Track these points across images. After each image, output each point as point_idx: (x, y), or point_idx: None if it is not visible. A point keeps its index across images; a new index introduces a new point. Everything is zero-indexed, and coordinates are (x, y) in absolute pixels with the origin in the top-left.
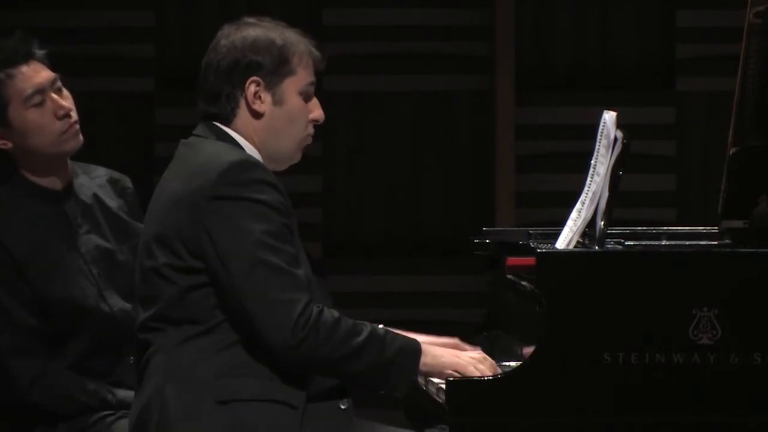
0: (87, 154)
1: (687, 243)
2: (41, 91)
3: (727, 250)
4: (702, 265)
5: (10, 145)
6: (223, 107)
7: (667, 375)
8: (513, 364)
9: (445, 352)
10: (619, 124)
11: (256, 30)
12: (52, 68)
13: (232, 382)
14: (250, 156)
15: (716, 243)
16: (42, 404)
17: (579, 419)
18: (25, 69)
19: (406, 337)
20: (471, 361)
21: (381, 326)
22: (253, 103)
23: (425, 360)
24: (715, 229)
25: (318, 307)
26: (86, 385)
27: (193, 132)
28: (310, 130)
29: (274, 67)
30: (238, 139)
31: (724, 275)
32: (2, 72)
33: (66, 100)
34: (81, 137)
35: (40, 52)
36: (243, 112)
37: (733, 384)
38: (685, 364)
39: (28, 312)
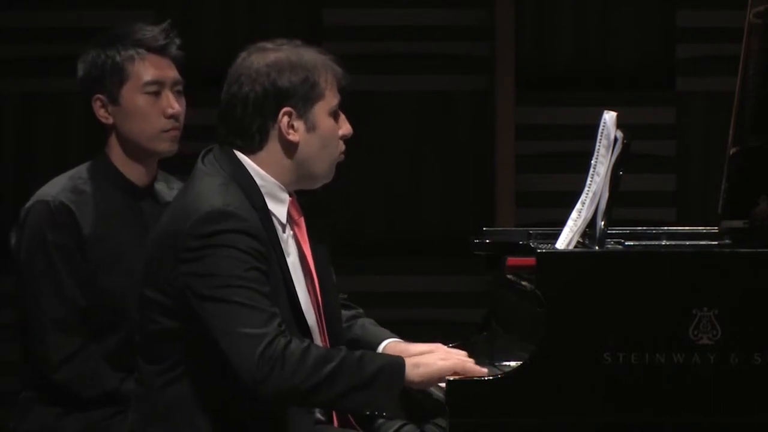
0: (87, 154)
1: (687, 243)
2: (161, 83)
3: (727, 250)
4: (702, 265)
5: (111, 120)
6: (250, 140)
7: (667, 375)
8: (513, 364)
9: (437, 359)
10: (619, 124)
11: (278, 55)
12: (180, 73)
13: None
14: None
15: (716, 243)
16: (68, 383)
17: (579, 419)
18: (155, 58)
19: (389, 355)
20: (466, 360)
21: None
22: (288, 133)
23: (418, 371)
24: (715, 229)
25: (285, 338)
26: (115, 374)
27: (213, 151)
28: (342, 147)
29: (304, 93)
30: (252, 168)
31: (724, 275)
32: (135, 50)
33: (180, 105)
34: (176, 146)
35: (177, 53)
36: (272, 143)
37: (733, 384)
38: (685, 364)
39: (80, 291)
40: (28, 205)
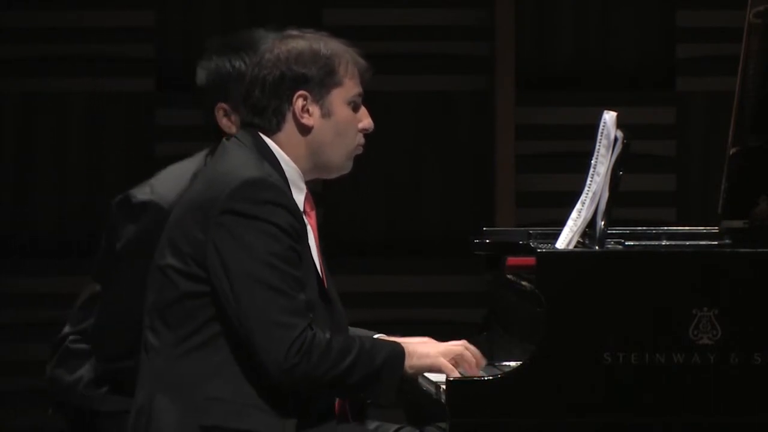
0: (87, 154)
1: (687, 243)
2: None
3: (727, 250)
4: (702, 265)
5: (233, 129)
6: (268, 120)
7: (667, 375)
8: (513, 364)
9: (431, 351)
10: (619, 124)
11: (300, 42)
12: None
13: (219, 407)
14: (269, 175)
15: (716, 243)
16: (121, 373)
17: (579, 419)
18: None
19: (390, 343)
20: (457, 357)
21: (373, 334)
22: (302, 117)
23: (410, 362)
24: (715, 229)
25: (312, 330)
26: None
27: (236, 135)
28: (360, 139)
29: (320, 78)
30: (276, 151)
31: (724, 275)
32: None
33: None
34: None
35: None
36: (289, 126)
37: (733, 384)
38: (685, 364)
39: None
40: (145, 198)
